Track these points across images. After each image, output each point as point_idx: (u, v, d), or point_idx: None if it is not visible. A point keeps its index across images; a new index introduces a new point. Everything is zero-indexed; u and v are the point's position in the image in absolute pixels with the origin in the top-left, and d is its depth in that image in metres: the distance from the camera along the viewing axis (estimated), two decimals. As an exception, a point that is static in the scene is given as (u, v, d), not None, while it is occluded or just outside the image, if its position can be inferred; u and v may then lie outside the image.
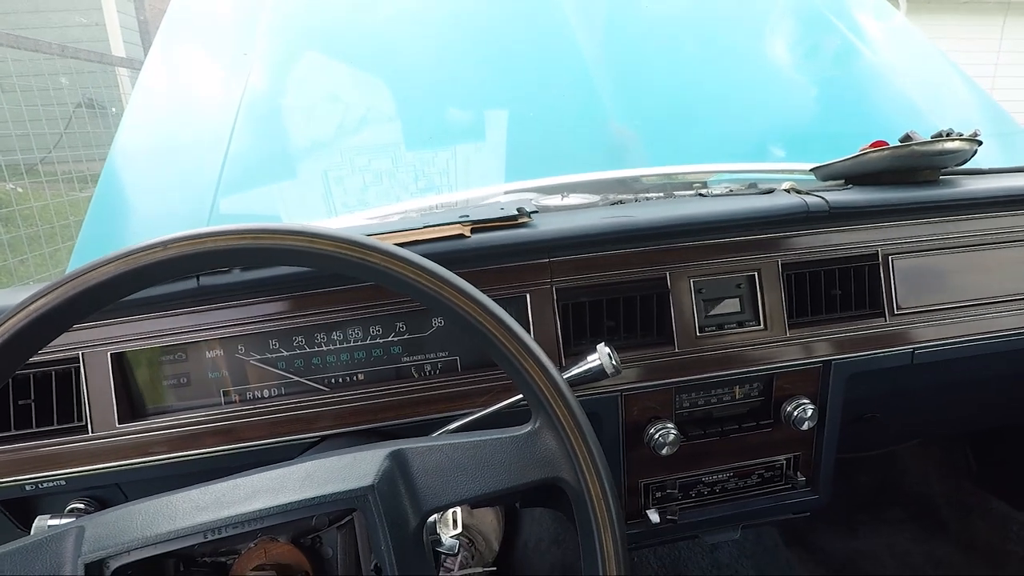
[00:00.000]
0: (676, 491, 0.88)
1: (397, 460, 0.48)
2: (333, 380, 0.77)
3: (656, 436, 0.81)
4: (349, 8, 1.37)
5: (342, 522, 0.50)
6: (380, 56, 1.27)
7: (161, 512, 0.46)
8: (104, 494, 0.76)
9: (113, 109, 3.37)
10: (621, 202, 0.99)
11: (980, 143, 0.85)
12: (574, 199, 1.09)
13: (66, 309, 0.47)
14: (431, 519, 0.54)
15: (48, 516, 0.63)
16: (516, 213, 0.76)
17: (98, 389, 0.73)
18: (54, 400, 0.73)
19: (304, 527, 0.49)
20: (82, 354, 0.73)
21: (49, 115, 3.08)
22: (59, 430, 0.72)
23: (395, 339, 0.78)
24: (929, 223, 0.87)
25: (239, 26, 1.36)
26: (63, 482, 0.72)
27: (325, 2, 1.40)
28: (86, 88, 3.33)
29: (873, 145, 0.89)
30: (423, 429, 0.74)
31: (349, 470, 0.48)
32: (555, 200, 1.09)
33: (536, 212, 0.80)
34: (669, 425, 0.81)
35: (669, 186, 1.12)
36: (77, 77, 3.18)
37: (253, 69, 1.23)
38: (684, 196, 1.04)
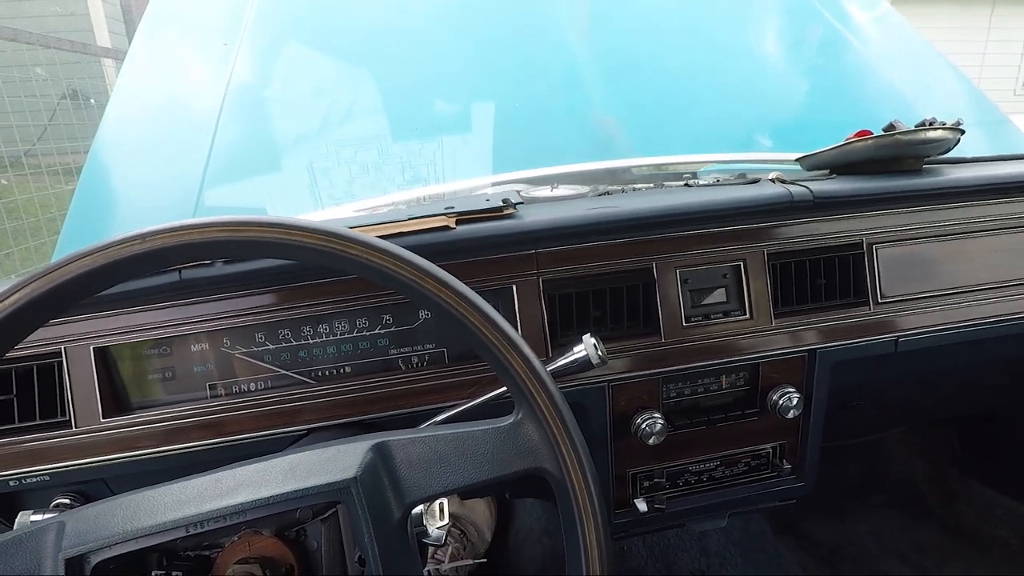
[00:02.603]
0: (664, 480, 0.89)
1: (380, 452, 0.48)
2: (320, 373, 0.77)
3: (643, 426, 0.81)
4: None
5: (326, 515, 0.50)
6: (367, 48, 1.26)
7: (143, 506, 0.46)
8: (89, 489, 0.75)
9: (92, 101, 3.31)
10: (608, 193, 0.99)
11: (963, 132, 0.86)
12: (563, 190, 1.09)
13: (44, 303, 0.46)
14: (417, 511, 0.55)
15: (31, 512, 0.63)
16: (502, 204, 0.75)
17: (81, 383, 0.72)
18: (36, 395, 0.72)
19: (288, 520, 0.49)
20: (64, 348, 0.72)
21: (32, 107, 3.03)
22: (42, 425, 0.72)
23: (382, 331, 0.78)
24: (912, 212, 0.88)
25: (224, 16, 1.34)
26: (47, 477, 0.72)
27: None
28: (71, 79, 3.28)
29: (858, 134, 0.89)
30: (410, 421, 0.74)
31: (332, 463, 0.48)
32: (544, 191, 1.09)
33: (522, 203, 0.80)
34: (656, 415, 0.82)
35: (659, 176, 1.12)
36: (61, 68, 3.13)
37: (238, 60, 1.21)
38: (672, 186, 1.04)
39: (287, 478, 0.47)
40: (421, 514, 0.59)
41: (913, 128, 0.85)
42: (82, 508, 0.48)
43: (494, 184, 1.08)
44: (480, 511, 1.45)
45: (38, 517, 0.63)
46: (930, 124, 0.83)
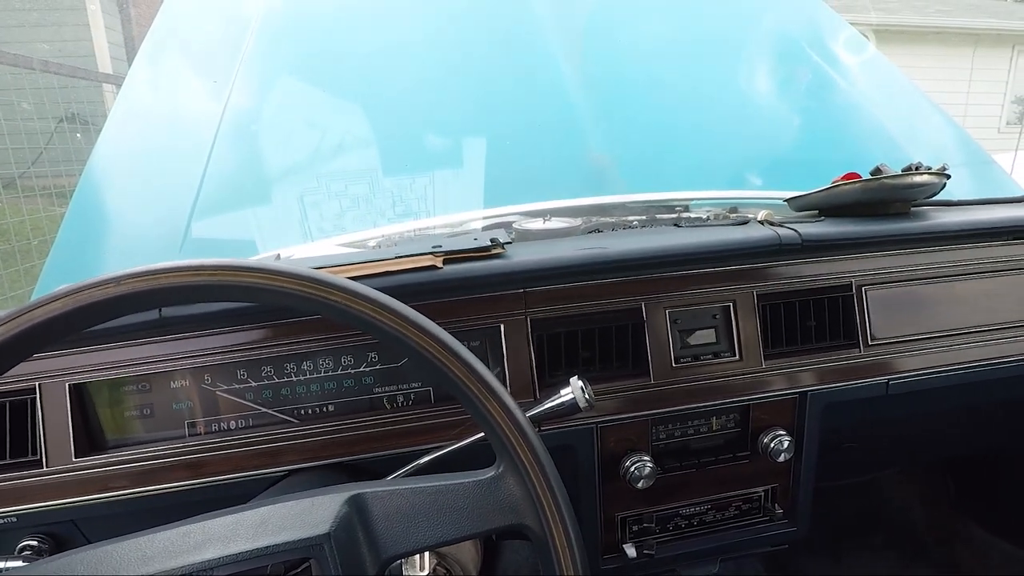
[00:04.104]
0: (653, 524, 0.87)
1: (356, 505, 0.47)
2: (303, 412, 0.75)
3: (632, 469, 0.80)
4: (331, 35, 1.38)
5: (298, 569, 0.48)
6: (361, 82, 1.27)
7: (105, 562, 0.44)
8: (59, 531, 0.73)
9: (85, 132, 3.33)
10: (599, 230, 0.99)
11: (948, 176, 0.86)
12: (555, 222, 1.09)
13: (12, 346, 0.45)
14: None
15: None
16: (489, 244, 0.75)
17: (54, 421, 0.70)
18: (7, 433, 0.70)
19: (258, 575, 0.47)
20: (39, 385, 0.70)
21: (30, 130, 3.04)
22: (11, 464, 0.70)
23: (367, 369, 0.76)
24: (901, 255, 0.88)
25: (221, 49, 1.35)
26: (14, 519, 0.69)
27: (307, 29, 1.40)
28: (69, 103, 3.30)
29: (845, 177, 0.90)
30: (394, 463, 0.72)
31: (306, 516, 0.46)
32: (536, 224, 1.09)
33: (510, 243, 0.80)
34: (645, 457, 0.80)
35: (650, 208, 1.12)
36: (60, 92, 3.15)
37: (233, 92, 1.22)
38: (662, 221, 1.04)
39: (258, 533, 0.45)
40: (400, 565, 0.57)
41: (900, 172, 0.85)
42: (43, 562, 0.46)
43: (485, 218, 1.08)
44: (466, 549, 1.41)
45: (0, 564, 0.60)
46: (916, 168, 0.84)
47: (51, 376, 0.70)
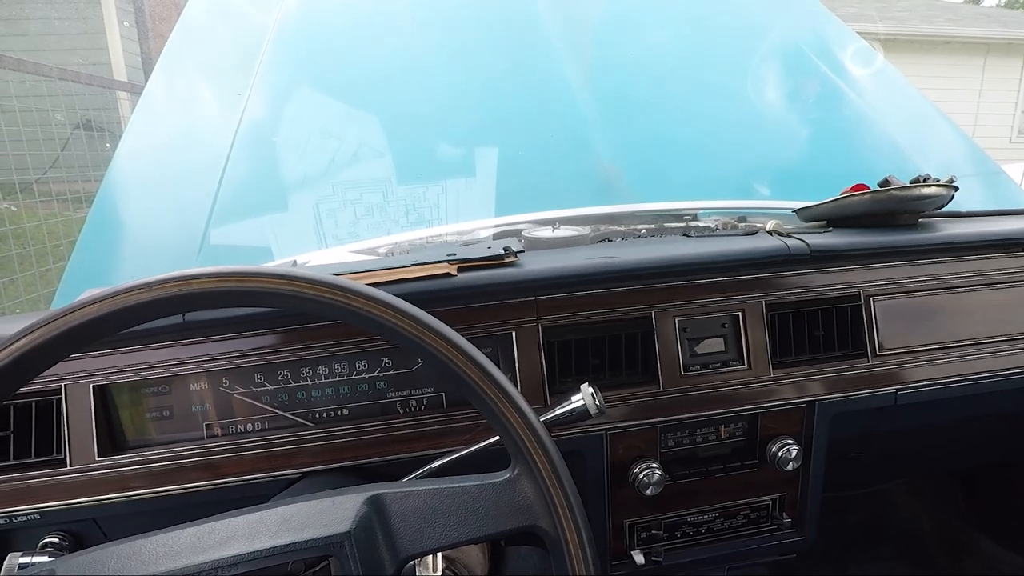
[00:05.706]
0: (661, 531, 0.88)
1: (375, 505, 0.48)
2: (317, 415, 0.77)
3: (641, 476, 0.81)
4: (346, 46, 1.41)
5: (318, 567, 0.49)
6: (375, 93, 1.30)
7: (134, 557, 0.46)
8: (80, 529, 0.75)
9: (101, 139, 3.38)
10: (608, 239, 1.01)
11: (956, 188, 0.87)
12: (564, 231, 1.11)
13: (50, 348, 0.47)
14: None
15: (20, 554, 0.62)
16: (503, 252, 0.77)
17: (78, 421, 0.72)
18: (33, 432, 0.72)
19: (279, 572, 0.49)
20: (64, 386, 0.72)
21: (47, 136, 3.10)
22: (36, 463, 0.71)
23: (381, 374, 0.78)
24: (909, 265, 0.89)
25: (237, 60, 1.38)
26: (37, 516, 0.71)
27: (323, 39, 1.43)
28: (85, 109, 3.36)
29: (854, 188, 0.91)
30: (407, 467, 0.73)
31: (326, 515, 0.47)
32: (545, 232, 1.11)
33: (523, 252, 0.81)
34: (654, 465, 0.81)
35: (660, 219, 1.14)
36: (77, 99, 3.21)
37: (249, 102, 1.25)
38: (671, 230, 1.05)
39: (281, 530, 0.47)
40: (414, 565, 0.58)
41: (908, 184, 0.87)
42: (72, 556, 0.47)
43: (495, 226, 1.10)
44: (474, 555, 1.41)
45: (26, 560, 0.62)
46: (924, 180, 0.85)
47: (76, 377, 0.72)
